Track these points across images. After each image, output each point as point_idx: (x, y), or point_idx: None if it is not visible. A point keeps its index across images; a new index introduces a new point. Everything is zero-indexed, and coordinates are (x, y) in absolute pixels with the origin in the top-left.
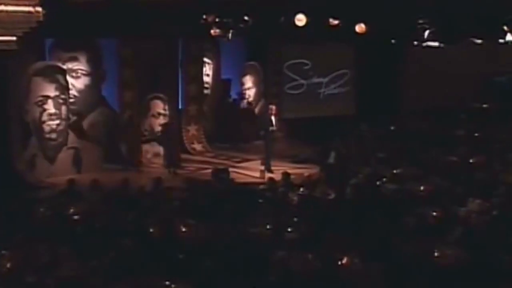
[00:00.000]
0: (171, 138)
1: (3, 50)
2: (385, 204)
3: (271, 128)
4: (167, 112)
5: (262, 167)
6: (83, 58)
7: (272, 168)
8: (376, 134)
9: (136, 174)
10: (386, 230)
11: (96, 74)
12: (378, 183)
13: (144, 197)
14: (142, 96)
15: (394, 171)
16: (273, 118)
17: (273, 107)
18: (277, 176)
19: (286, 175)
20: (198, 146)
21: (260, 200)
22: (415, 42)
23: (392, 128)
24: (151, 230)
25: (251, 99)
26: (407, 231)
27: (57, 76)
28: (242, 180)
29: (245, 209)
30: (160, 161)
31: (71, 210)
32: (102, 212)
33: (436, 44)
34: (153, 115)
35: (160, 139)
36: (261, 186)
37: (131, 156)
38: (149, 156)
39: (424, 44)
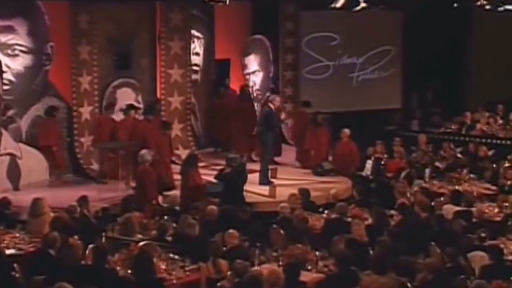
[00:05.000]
0: None
1: None
2: (444, 233)
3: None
4: (140, 105)
5: (274, 181)
6: (22, 29)
7: (283, 182)
8: (431, 136)
9: (99, 189)
10: (445, 269)
11: (40, 51)
12: (433, 203)
13: (109, 222)
14: (104, 82)
15: (456, 187)
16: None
17: (277, 98)
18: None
19: (304, 192)
20: (183, 153)
21: (275, 226)
22: (488, 6)
23: (452, 127)
24: (118, 269)
25: (256, 86)
26: (476, 270)
27: None
28: (246, 200)
29: (250, 238)
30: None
31: (5, 242)
32: (50, 244)
33: None
34: (122, 109)
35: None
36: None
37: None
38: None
39: (501, 8)
